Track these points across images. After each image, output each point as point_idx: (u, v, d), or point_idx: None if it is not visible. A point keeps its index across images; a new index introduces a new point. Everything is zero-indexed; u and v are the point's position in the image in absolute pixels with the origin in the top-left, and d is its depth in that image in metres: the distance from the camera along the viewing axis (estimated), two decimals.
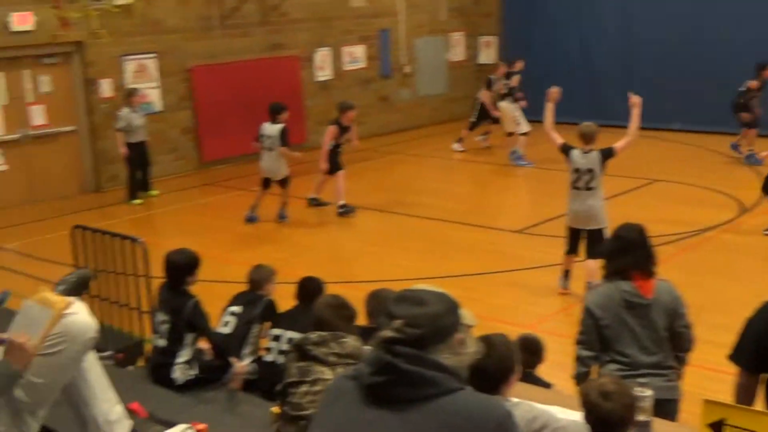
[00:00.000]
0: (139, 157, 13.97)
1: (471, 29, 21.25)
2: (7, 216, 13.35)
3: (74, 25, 13.99)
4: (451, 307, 2.65)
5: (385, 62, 19.25)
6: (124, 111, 13.73)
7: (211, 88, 15.96)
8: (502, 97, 16.19)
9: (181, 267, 6.10)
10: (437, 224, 12.13)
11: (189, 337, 6.02)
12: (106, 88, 14.73)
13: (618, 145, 8.77)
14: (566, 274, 9.24)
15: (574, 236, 9.01)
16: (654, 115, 18.07)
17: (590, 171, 8.73)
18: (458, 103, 21.14)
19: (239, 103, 16.01)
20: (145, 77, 15.22)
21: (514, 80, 16.12)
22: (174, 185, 14.95)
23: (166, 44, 15.45)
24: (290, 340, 5.90)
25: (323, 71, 18.16)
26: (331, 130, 12.59)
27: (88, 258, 6.93)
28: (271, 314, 6.42)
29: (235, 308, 6.51)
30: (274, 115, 12.20)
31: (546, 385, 5.33)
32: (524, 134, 15.56)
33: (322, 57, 18.10)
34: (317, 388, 4.38)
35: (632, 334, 4.99)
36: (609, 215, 10.62)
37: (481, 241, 11.22)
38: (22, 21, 13.49)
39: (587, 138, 8.77)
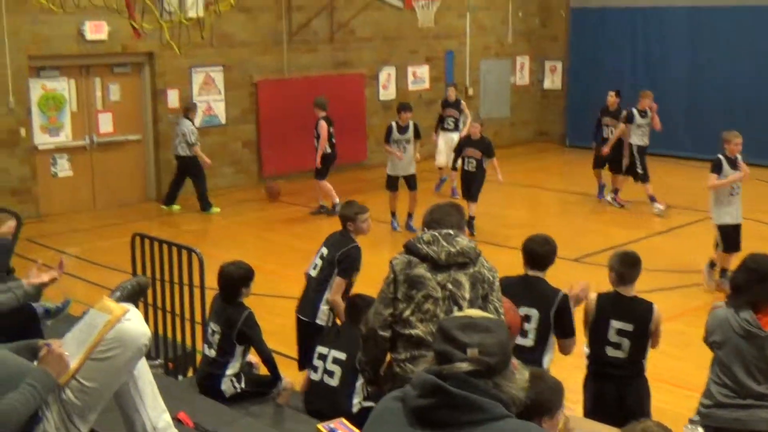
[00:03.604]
0: (201, 167, 14.23)
1: (537, 53, 21.17)
2: (70, 221, 13.63)
3: (146, 36, 14.26)
4: (509, 334, 2.63)
5: (449, 83, 19.22)
6: (188, 123, 13.93)
7: (275, 102, 16.12)
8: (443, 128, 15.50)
9: (236, 279, 6.15)
10: (492, 249, 12.04)
11: (239, 349, 6.05)
12: (173, 98, 14.98)
13: None
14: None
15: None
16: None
17: None
18: (521, 127, 21.09)
19: (302, 119, 16.13)
20: (211, 89, 15.45)
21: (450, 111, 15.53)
22: (234, 198, 15.10)
23: (234, 58, 15.67)
24: (336, 360, 5.87)
25: (387, 90, 18.24)
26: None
27: (145, 266, 7.01)
28: (350, 264, 6.71)
29: (324, 250, 6.86)
30: (405, 113, 12.87)
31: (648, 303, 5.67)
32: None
33: (387, 76, 18.18)
34: (427, 306, 4.47)
35: (744, 363, 5.10)
36: (666, 249, 10.50)
37: None
38: (95, 30, 13.82)
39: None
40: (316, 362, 6.04)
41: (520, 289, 5.59)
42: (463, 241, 4.52)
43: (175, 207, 14.32)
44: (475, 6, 19.51)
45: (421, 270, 4.48)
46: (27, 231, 11.38)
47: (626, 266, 5.70)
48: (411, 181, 12.90)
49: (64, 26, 13.46)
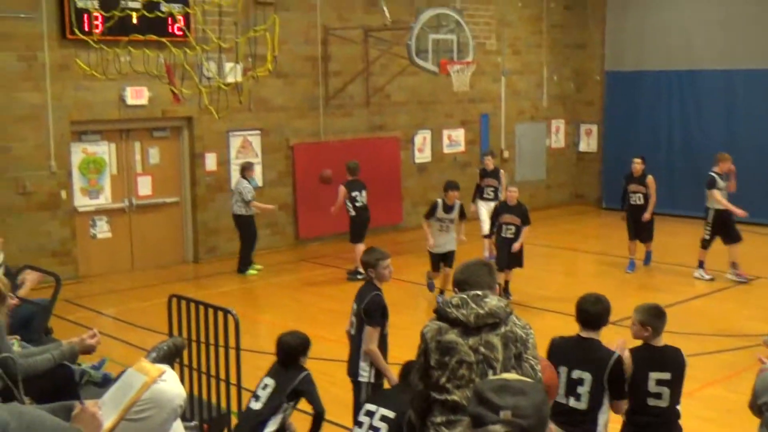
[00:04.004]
0: (254, 229, 14.38)
1: (572, 117, 21.25)
2: (108, 282, 13.76)
3: (185, 101, 14.53)
4: (546, 397, 2.61)
5: (485, 147, 19.34)
6: (245, 182, 14.14)
7: (311, 165, 16.26)
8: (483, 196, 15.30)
9: (294, 348, 6.41)
10: (529, 312, 11.95)
11: (285, 405, 6.20)
12: (210, 162, 15.19)
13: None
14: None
15: None
16: (760, 210, 17.70)
17: None
18: (557, 190, 21.10)
19: (338, 182, 16.25)
20: (248, 153, 15.64)
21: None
22: (270, 260, 15.16)
23: (271, 122, 15.89)
24: (383, 418, 5.85)
25: (422, 153, 18.36)
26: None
27: (182, 327, 7.04)
28: (375, 311, 6.69)
29: (354, 305, 6.88)
30: (452, 192, 12.27)
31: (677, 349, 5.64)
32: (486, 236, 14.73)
33: (422, 139, 18.32)
34: (462, 371, 4.33)
35: None
36: (709, 311, 10.30)
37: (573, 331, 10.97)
38: (136, 96, 14.10)
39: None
40: (362, 418, 6.04)
41: (573, 351, 5.59)
42: (492, 301, 4.44)
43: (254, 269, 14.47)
44: (509, 70, 19.68)
45: (452, 335, 4.39)
46: (66, 292, 11.49)
47: (657, 319, 5.70)
48: (449, 258, 12.38)
49: (106, 92, 13.75)
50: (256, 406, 6.26)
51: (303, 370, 6.35)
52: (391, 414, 5.87)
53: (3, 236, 10.34)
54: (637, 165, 14.26)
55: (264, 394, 6.27)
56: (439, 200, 12.44)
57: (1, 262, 9.12)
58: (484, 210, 15.01)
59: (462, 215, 12.62)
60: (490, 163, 15.37)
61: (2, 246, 9.23)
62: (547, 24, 20.46)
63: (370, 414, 6.00)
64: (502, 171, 15.65)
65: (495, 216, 12.77)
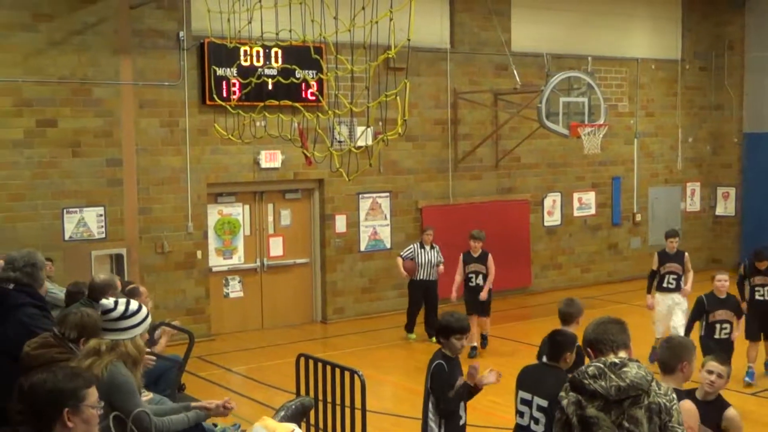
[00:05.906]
0: (421, 293, 14.10)
1: (708, 179, 20.63)
2: (239, 340, 14.04)
3: (317, 164, 14.84)
4: None
5: (616, 210, 18.97)
6: (414, 245, 14.09)
7: (439, 227, 16.24)
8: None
9: (442, 327, 6.29)
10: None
11: (430, 403, 6.19)
12: (341, 223, 15.41)
13: None
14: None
15: None
16: None
17: None
18: (692, 255, 20.23)
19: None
20: (377, 215, 15.81)
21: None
22: (397, 321, 15.15)
23: (400, 184, 16.04)
24: (540, 408, 5.83)
25: (552, 216, 18.13)
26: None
27: (309, 386, 7.09)
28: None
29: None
30: None
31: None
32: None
33: (552, 202, 18.11)
34: None
35: None
36: None
37: None
38: (270, 159, 14.51)
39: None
40: (522, 407, 5.99)
41: None
42: (632, 370, 4.19)
43: (411, 336, 14.15)
44: (642, 132, 19.32)
45: (593, 410, 4.17)
46: (198, 349, 11.80)
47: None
48: None
49: (242, 155, 14.21)
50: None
51: (434, 358, 6.29)
52: (544, 403, 5.79)
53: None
54: (765, 262, 11.62)
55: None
56: None
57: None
58: (663, 304, 12.43)
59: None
60: (673, 245, 12.60)
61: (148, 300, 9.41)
62: (682, 86, 20.03)
63: (527, 403, 5.93)
64: (686, 254, 12.90)
65: (700, 313, 10.45)
